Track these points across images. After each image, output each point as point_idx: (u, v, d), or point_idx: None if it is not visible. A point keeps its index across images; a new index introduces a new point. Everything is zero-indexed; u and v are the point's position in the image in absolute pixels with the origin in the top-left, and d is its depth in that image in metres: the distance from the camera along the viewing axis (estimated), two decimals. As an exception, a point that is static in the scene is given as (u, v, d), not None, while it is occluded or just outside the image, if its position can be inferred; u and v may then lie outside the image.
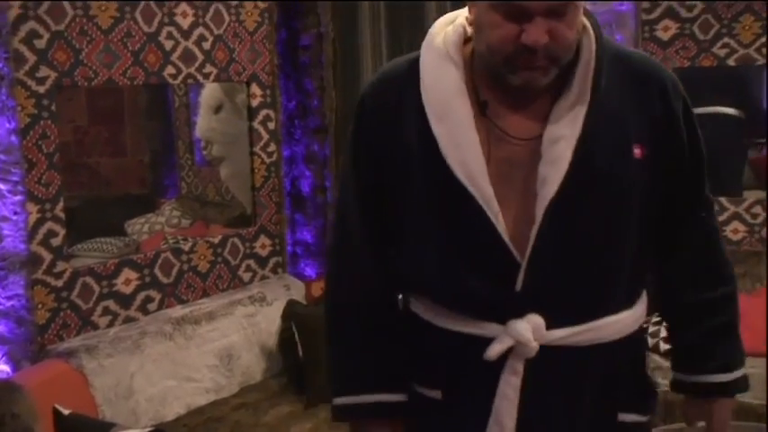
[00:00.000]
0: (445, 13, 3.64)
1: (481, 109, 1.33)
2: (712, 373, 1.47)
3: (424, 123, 1.33)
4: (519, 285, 1.31)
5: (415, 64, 1.38)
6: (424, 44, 1.39)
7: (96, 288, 2.86)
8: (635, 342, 1.44)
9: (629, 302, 1.40)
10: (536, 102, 1.33)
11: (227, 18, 3.24)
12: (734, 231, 3.87)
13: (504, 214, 1.31)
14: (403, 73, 1.39)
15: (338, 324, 1.49)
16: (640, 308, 1.42)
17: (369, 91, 1.44)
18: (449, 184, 1.31)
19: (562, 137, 1.30)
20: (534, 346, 1.32)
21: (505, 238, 1.31)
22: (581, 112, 1.30)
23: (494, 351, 1.33)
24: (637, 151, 1.33)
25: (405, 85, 1.37)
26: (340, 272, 1.50)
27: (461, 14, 1.40)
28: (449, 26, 1.39)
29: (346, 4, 3.40)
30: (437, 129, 1.32)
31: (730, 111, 4.12)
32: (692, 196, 1.45)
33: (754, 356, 3.17)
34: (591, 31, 1.34)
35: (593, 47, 1.32)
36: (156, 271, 3.06)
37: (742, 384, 1.49)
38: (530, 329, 1.32)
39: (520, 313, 1.32)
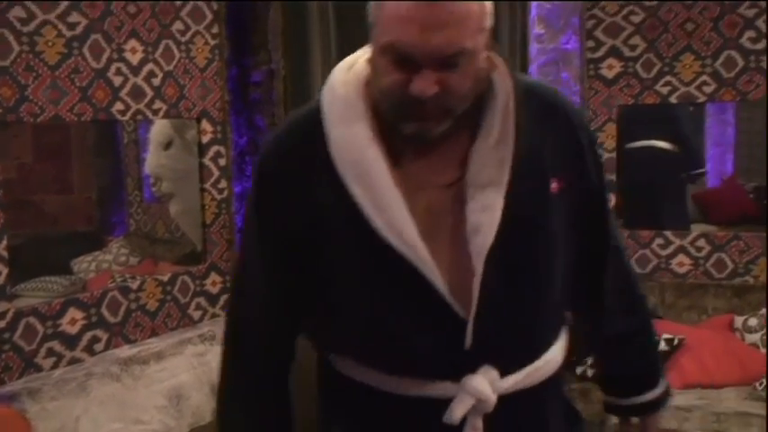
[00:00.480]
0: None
1: (395, 159, 1.26)
2: (641, 395, 1.55)
3: (338, 184, 1.24)
4: (468, 341, 1.26)
5: (316, 116, 1.29)
6: (326, 93, 1.30)
7: (40, 328, 2.78)
8: (560, 372, 1.45)
9: (558, 336, 1.40)
10: (452, 143, 1.27)
11: (177, 54, 3.23)
12: (679, 264, 3.95)
13: (437, 268, 1.24)
14: (305, 128, 1.30)
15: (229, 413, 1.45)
16: (564, 338, 1.43)
17: (268, 154, 1.34)
18: (376, 246, 1.23)
19: (490, 182, 1.25)
20: (494, 399, 1.27)
21: (446, 295, 1.25)
22: (507, 155, 1.25)
23: (457, 414, 1.26)
24: (554, 186, 1.30)
25: (309, 142, 1.28)
26: (235, 363, 1.44)
27: (362, 57, 1.33)
28: (349, 71, 1.32)
29: (297, 42, 3.42)
30: (355, 190, 1.23)
31: (664, 145, 4.24)
32: (603, 232, 1.44)
33: (702, 388, 3.24)
34: (503, 68, 1.29)
35: (509, 84, 1.28)
36: (103, 310, 2.99)
37: (666, 397, 1.59)
38: (487, 384, 1.27)
39: (472, 368, 1.28)
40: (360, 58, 1.33)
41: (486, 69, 1.26)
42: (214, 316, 3.41)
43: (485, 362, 1.28)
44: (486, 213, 1.24)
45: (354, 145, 1.25)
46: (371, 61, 1.26)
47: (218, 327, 3.27)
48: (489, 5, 1.24)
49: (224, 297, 3.46)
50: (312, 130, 1.28)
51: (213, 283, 3.42)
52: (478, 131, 1.27)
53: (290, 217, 1.29)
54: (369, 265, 1.27)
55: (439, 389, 1.28)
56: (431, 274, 1.23)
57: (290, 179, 1.29)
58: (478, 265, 1.24)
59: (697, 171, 4.42)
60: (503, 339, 1.29)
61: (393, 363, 1.30)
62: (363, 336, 1.31)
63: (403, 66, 1.18)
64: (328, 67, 3.45)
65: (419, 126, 1.22)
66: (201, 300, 3.38)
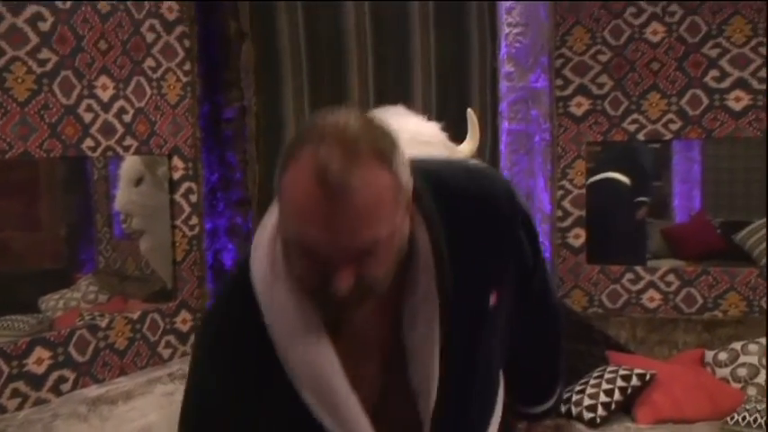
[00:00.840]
0: (367, 87, 3.68)
1: (331, 324, 1.16)
2: (544, 403, 1.61)
3: (281, 376, 1.15)
4: None
5: (249, 303, 1.15)
6: (258, 289, 1.15)
7: (5, 368, 2.72)
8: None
9: (496, 411, 1.43)
10: (382, 302, 1.16)
11: (148, 91, 3.22)
12: (650, 299, 3.99)
13: None
14: (235, 324, 1.19)
15: None
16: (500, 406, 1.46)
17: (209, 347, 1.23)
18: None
19: (425, 340, 1.18)
20: None
21: None
22: (435, 312, 1.17)
23: None
24: (493, 299, 1.24)
25: (242, 338, 1.17)
26: None
27: (265, 225, 1.18)
28: (263, 252, 1.16)
29: (270, 78, 3.43)
30: (306, 394, 1.15)
31: (619, 176, 4.31)
32: (541, 311, 1.46)
33: (674, 423, 3.24)
34: (422, 219, 1.17)
35: (428, 238, 1.17)
36: (71, 349, 2.94)
37: (560, 401, 1.70)
38: None
39: None
40: (264, 225, 1.19)
41: (407, 232, 1.14)
42: (184, 354, 3.36)
43: None
44: (425, 380, 1.19)
45: (305, 346, 1.14)
46: (281, 239, 1.11)
47: (188, 365, 3.22)
48: (404, 164, 1.10)
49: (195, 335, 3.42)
50: (247, 320, 1.16)
51: (183, 320, 3.38)
52: (404, 288, 1.17)
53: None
54: None
55: None
56: None
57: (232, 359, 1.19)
58: (426, 426, 1.22)
59: (640, 199, 4.50)
60: None
61: None
62: None
63: (314, 259, 1.05)
64: (300, 103, 3.48)
65: (340, 311, 1.12)
66: (171, 338, 3.33)
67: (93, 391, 2.93)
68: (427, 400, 1.20)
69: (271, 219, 1.16)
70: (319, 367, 1.14)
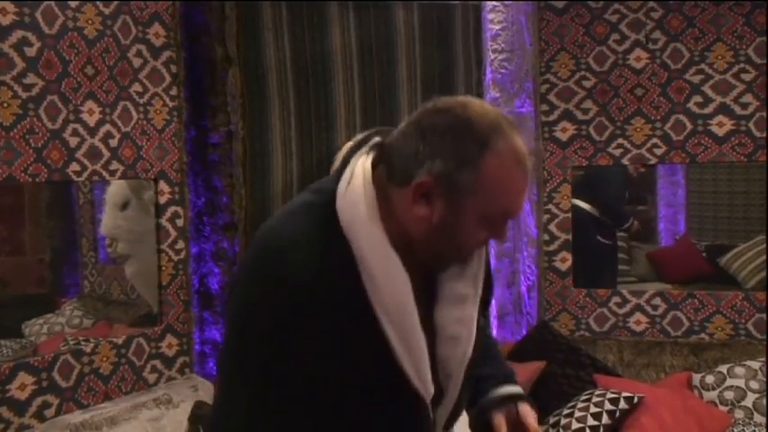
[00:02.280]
0: (353, 112, 3.70)
1: (419, 295, 1.29)
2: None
3: (367, 317, 1.24)
4: None
5: (329, 230, 1.25)
6: (352, 222, 1.26)
7: (-13, 394, 2.70)
8: None
9: None
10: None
11: (135, 116, 3.23)
12: (636, 323, 4.00)
13: None
14: (322, 245, 1.25)
15: None
16: None
17: (293, 271, 1.23)
18: (390, 379, 1.27)
19: (466, 296, 1.34)
20: None
21: (431, 414, 1.36)
22: (480, 271, 1.39)
23: None
24: (479, 290, 1.44)
25: (329, 261, 1.24)
26: None
27: (357, 176, 1.30)
28: (361, 198, 1.28)
29: (256, 103, 3.45)
30: (390, 331, 1.25)
31: (585, 206, 4.33)
32: (487, 313, 1.64)
33: (661, 445, 3.23)
34: None
35: None
36: (55, 374, 2.91)
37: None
38: None
39: None
40: (355, 179, 1.30)
41: None
42: (170, 379, 3.34)
43: None
44: (464, 326, 1.33)
45: (395, 287, 1.25)
46: (435, 215, 1.27)
47: (173, 390, 3.20)
48: None
49: (180, 359, 3.39)
50: (328, 246, 1.25)
51: (169, 345, 3.36)
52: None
53: (319, 339, 1.24)
54: (379, 396, 1.30)
55: None
56: (428, 406, 1.33)
57: (320, 302, 1.23)
58: (459, 373, 1.35)
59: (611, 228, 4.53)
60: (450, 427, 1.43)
61: None
62: None
63: (493, 229, 1.30)
64: (287, 128, 3.49)
65: (442, 268, 1.35)
66: (157, 362, 3.31)
67: (78, 416, 2.90)
68: (464, 348, 1.34)
69: (356, 180, 1.30)
70: (402, 299, 1.26)
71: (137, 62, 3.23)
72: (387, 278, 1.25)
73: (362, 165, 1.32)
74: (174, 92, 3.38)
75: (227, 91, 3.40)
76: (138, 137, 3.24)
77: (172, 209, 3.38)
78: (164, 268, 3.35)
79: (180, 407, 3.11)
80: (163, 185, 3.35)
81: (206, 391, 3.26)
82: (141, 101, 3.26)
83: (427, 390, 1.30)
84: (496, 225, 1.29)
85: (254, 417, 1.27)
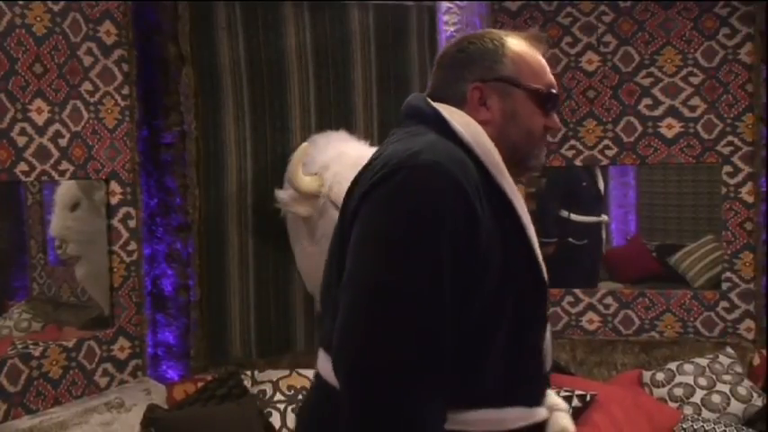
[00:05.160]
0: (308, 112, 3.68)
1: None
2: None
3: (504, 215, 1.38)
4: (548, 364, 1.48)
5: (454, 150, 1.39)
6: (476, 135, 1.42)
7: (-69, 400, 2.62)
8: None
9: None
10: None
11: (85, 115, 3.18)
12: (589, 321, 4.05)
13: None
14: (463, 158, 1.38)
15: None
16: None
17: (455, 175, 1.32)
18: (533, 279, 1.41)
19: (528, 220, 1.45)
20: None
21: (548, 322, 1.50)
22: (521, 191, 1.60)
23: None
24: None
25: (472, 171, 1.37)
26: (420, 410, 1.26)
27: (454, 112, 1.46)
28: (468, 124, 1.44)
29: (210, 103, 3.42)
30: (525, 220, 1.41)
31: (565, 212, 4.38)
32: None
33: (612, 441, 3.28)
34: None
35: None
36: (2, 379, 2.85)
37: None
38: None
39: (544, 392, 1.47)
40: (454, 116, 1.46)
41: None
42: (122, 382, 3.28)
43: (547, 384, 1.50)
44: (540, 249, 1.44)
45: (513, 188, 1.43)
46: (499, 109, 1.47)
47: (125, 394, 3.15)
48: None
49: (133, 362, 3.34)
50: (466, 162, 1.38)
51: (121, 348, 3.31)
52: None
53: (476, 242, 1.32)
54: (523, 291, 1.40)
55: (538, 414, 1.43)
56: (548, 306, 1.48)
57: (475, 204, 1.33)
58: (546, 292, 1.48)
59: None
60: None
61: (516, 393, 1.40)
62: (509, 363, 1.38)
63: (548, 108, 1.49)
64: (241, 128, 3.46)
65: (543, 156, 1.52)
66: (109, 366, 3.26)
67: (26, 422, 2.84)
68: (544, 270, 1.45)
69: (458, 115, 1.45)
70: (519, 198, 1.42)
71: (87, 60, 3.18)
72: (507, 178, 1.42)
73: (447, 109, 1.47)
74: (125, 91, 3.33)
75: (181, 90, 3.36)
76: (89, 136, 3.19)
77: (124, 210, 3.33)
78: (115, 270, 3.30)
79: (132, 411, 3.06)
80: (114, 186, 3.30)
81: (159, 395, 3.22)
82: (92, 100, 3.20)
83: (545, 284, 1.44)
84: (546, 105, 1.48)
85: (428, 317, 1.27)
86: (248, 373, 3.35)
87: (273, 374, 3.33)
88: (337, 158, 3.27)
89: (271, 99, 3.52)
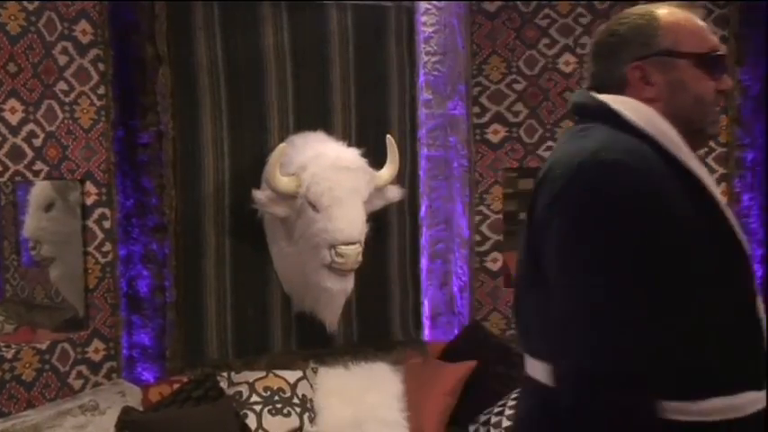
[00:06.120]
0: (287, 112, 3.66)
1: None
2: None
3: (693, 192, 1.36)
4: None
5: (630, 141, 1.37)
6: (649, 119, 1.41)
7: None
8: None
9: None
10: None
11: (60, 115, 3.15)
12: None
13: None
14: (641, 147, 1.37)
15: None
16: None
17: (638, 169, 1.34)
18: (735, 254, 1.36)
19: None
20: None
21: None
22: None
23: None
24: None
25: (653, 160, 1.35)
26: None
27: (626, 102, 1.44)
28: (635, 109, 1.42)
29: (187, 103, 3.40)
30: (717, 196, 1.38)
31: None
32: None
33: None
34: None
35: None
36: (-26, 382, 2.82)
37: None
38: None
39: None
40: (615, 103, 1.44)
41: None
42: (96, 385, 3.26)
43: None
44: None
45: (698, 164, 1.40)
46: (665, 81, 1.44)
47: (100, 396, 3.13)
48: None
49: (107, 365, 3.32)
50: (649, 153, 1.36)
51: (96, 350, 3.28)
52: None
53: (672, 230, 1.32)
54: (728, 268, 1.36)
55: (745, 397, 1.35)
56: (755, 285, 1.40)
57: (665, 193, 1.33)
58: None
59: None
60: None
61: (756, 373, 1.35)
62: (732, 346, 1.34)
63: (715, 71, 1.44)
64: (219, 128, 3.44)
65: (719, 121, 1.49)
66: (83, 368, 3.23)
67: (-1, 425, 2.81)
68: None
69: (630, 104, 1.44)
70: (707, 173, 1.39)
71: (62, 60, 3.15)
72: (690, 155, 1.40)
73: (608, 99, 1.45)
74: (101, 90, 3.30)
75: (157, 90, 3.34)
76: (64, 136, 3.16)
77: (99, 210, 3.31)
78: (90, 271, 3.27)
79: (107, 413, 3.04)
80: (89, 186, 3.27)
81: (134, 397, 3.20)
82: (67, 99, 3.17)
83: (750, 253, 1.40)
84: (713, 67, 1.44)
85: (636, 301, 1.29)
86: (224, 374, 3.34)
87: (250, 376, 3.32)
88: (315, 159, 3.27)
89: (248, 99, 3.51)
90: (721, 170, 3.92)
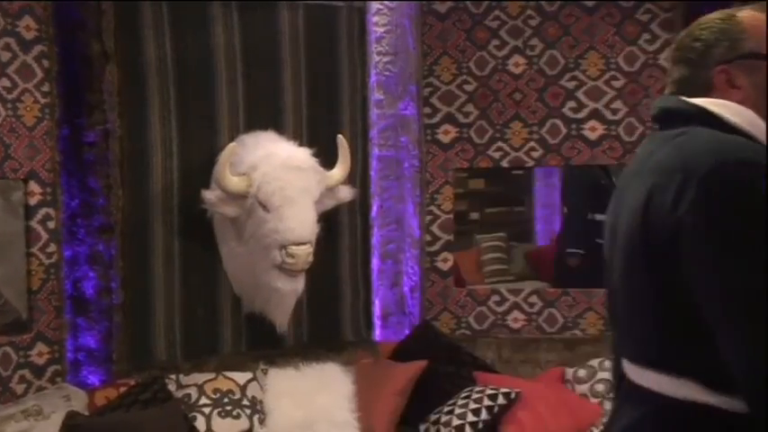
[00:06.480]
0: (237, 112, 3.63)
1: None
2: None
3: None
4: None
5: (740, 140, 1.39)
6: (751, 120, 1.42)
7: None
8: None
9: None
10: None
11: (2, 113, 3.07)
12: (514, 320, 4.12)
13: None
14: (753, 145, 1.39)
15: None
16: None
17: (760, 164, 1.33)
18: None
19: None
20: None
21: None
22: None
23: None
24: None
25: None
26: None
27: (721, 105, 1.45)
28: (742, 115, 1.43)
29: (135, 101, 3.34)
30: None
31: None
32: None
33: (536, 440, 3.36)
34: None
35: None
36: None
37: None
38: None
39: None
40: (717, 105, 1.45)
41: None
42: (40, 389, 3.19)
43: None
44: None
45: None
46: (756, 82, 1.44)
47: (44, 401, 3.06)
48: None
49: (51, 368, 3.25)
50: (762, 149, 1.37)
51: (39, 353, 3.21)
52: None
53: None
54: None
55: None
56: None
57: None
58: None
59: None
60: None
61: None
62: None
63: None
64: (167, 127, 3.39)
65: None
66: (26, 372, 3.16)
67: (-63, 432, 2.73)
68: None
69: (727, 107, 1.45)
70: None
71: (5, 56, 3.08)
72: None
73: (705, 102, 1.46)
74: (46, 88, 3.23)
75: (104, 88, 3.28)
76: (6, 135, 3.09)
77: (43, 210, 3.23)
78: (33, 273, 3.20)
79: (51, 418, 2.98)
80: (33, 186, 3.20)
81: (79, 401, 3.14)
82: (9, 97, 3.10)
83: None
84: None
85: None
86: (173, 376, 3.30)
87: (199, 378, 3.29)
88: (266, 158, 3.25)
89: (198, 98, 3.47)
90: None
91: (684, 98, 1.50)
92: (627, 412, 1.53)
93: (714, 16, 1.52)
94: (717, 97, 1.47)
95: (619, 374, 1.57)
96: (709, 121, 1.44)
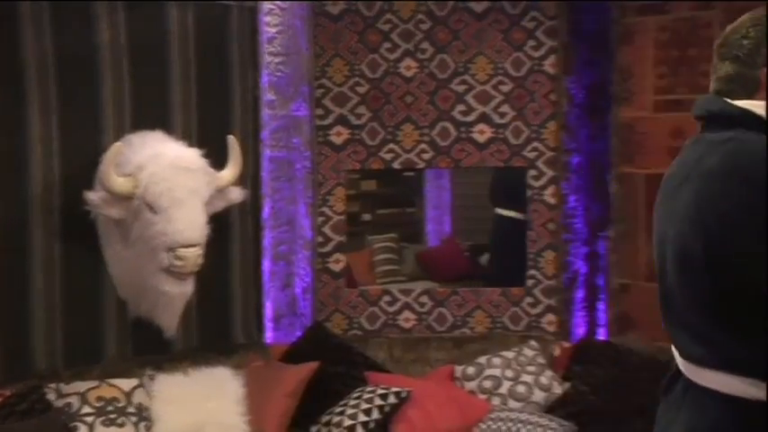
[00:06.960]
0: (123, 111, 3.52)
1: None
2: None
3: None
4: None
5: None
6: None
7: None
8: None
9: None
10: None
11: None
12: (405, 320, 4.19)
13: None
14: None
15: None
16: None
17: None
18: None
19: None
20: None
21: None
22: None
23: None
24: None
25: None
26: None
27: (756, 106, 1.45)
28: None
29: (12, 97, 3.18)
30: None
31: (512, 214, 4.40)
32: None
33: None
34: None
35: None
36: None
37: None
38: None
39: None
40: (757, 105, 1.46)
41: None
42: None
43: None
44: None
45: None
46: None
47: None
48: None
49: None
50: None
51: None
52: None
53: None
54: None
55: None
56: None
57: None
58: None
59: None
60: None
61: None
62: None
63: None
64: (48, 126, 3.25)
65: None
66: None
67: None
68: None
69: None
70: None
71: None
72: None
73: (750, 105, 1.46)
74: None
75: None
76: None
77: None
78: None
79: None
80: None
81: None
82: None
83: None
84: None
85: None
86: (53, 385, 3.16)
87: (81, 386, 3.17)
88: (153, 159, 3.17)
89: (82, 97, 3.35)
90: (551, 172, 4.15)
91: (728, 100, 1.50)
92: (693, 416, 1.52)
93: (758, 14, 1.50)
94: (761, 98, 1.47)
95: (671, 376, 1.58)
96: (754, 124, 1.45)
